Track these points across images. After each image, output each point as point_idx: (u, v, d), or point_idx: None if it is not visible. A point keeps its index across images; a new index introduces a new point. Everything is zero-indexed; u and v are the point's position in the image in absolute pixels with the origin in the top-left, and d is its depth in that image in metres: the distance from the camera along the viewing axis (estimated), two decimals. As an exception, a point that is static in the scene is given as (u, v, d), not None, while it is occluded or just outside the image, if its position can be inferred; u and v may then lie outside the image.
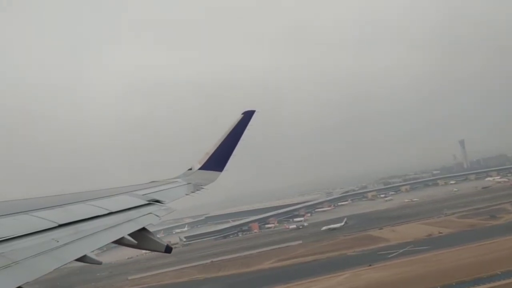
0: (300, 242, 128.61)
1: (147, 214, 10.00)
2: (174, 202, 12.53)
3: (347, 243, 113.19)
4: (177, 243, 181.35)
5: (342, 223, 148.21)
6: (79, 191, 11.03)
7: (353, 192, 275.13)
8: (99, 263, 8.50)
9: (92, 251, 7.48)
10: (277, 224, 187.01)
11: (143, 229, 9.09)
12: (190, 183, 16.20)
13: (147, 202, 11.12)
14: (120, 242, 8.28)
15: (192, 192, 15.19)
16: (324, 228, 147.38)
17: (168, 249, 9.18)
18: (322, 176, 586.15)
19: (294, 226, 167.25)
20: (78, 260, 6.84)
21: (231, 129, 18.78)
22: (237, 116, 19.13)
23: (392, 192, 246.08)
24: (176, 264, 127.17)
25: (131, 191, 12.18)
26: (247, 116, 18.91)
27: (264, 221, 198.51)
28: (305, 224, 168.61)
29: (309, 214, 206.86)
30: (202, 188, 16.17)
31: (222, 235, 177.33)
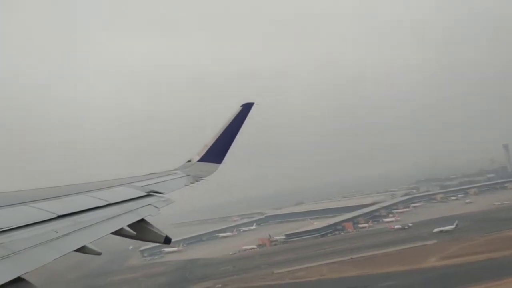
0: (435, 241, 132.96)
1: (146, 206, 10.12)
2: (173, 193, 12.71)
3: (495, 243, 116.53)
4: (275, 240, 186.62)
5: (454, 226, 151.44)
6: (78, 183, 11.11)
7: (414, 195, 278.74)
8: (99, 253, 8.48)
9: (91, 242, 7.50)
10: (372, 224, 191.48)
11: (142, 220, 9.22)
12: (189, 175, 16.27)
13: (146, 194, 11.23)
14: (119, 233, 8.45)
15: (192, 183, 15.34)
16: (436, 230, 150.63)
17: (167, 240, 9.38)
18: (340, 178, 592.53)
19: (399, 226, 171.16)
20: (78, 250, 6.90)
21: (230, 121, 18.82)
22: (236, 109, 19.21)
23: (461, 195, 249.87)
24: (312, 260, 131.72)
25: (130, 183, 12.27)
26: (246, 108, 18.94)
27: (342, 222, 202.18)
28: (410, 224, 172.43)
29: (391, 215, 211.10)
30: (201, 179, 16.33)
31: (320, 234, 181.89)
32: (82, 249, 7.12)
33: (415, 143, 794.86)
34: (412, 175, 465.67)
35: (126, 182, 12.29)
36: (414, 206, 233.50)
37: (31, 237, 6.08)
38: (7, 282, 4.80)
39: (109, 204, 9.11)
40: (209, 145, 18.76)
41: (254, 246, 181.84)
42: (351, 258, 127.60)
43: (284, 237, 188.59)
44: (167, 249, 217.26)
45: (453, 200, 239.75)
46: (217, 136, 18.78)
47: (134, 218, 8.95)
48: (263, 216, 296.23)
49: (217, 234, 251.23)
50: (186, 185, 14.65)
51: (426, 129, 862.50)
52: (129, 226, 8.74)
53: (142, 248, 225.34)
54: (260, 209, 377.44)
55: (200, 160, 18.46)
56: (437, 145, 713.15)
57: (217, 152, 18.50)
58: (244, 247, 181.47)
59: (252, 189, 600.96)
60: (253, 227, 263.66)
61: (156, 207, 10.28)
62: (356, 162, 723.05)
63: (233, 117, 18.85)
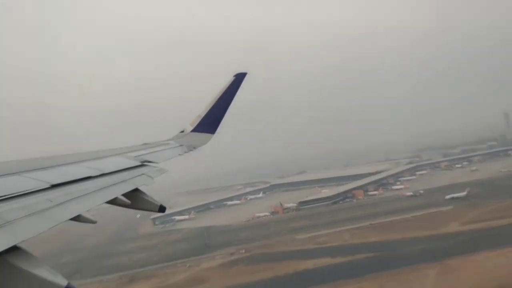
0: (451, 207, 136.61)
1: (140, 175, 10.16)
2: (172, 163, 12.82)
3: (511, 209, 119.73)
4: (288, 208, 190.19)
5: (465, 193, 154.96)
6: (71, 153, 11.06)
7: (418, 163, 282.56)
8: (94, 222, 8.53)
9: (86, 211, 7.53)
10: (382, 192, 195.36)
11: (136, 189, 9.32)
12: (182, 145, 16.26)
13: (139, 164, 11.23)
14: (113, 202, 8.46)
15: (185, 152, 15.40)
16: (448, 197, 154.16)
17: (161, 209, 9.43)
18: (339, 147, 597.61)
19: (411, 193, 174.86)
20: (73, 219, 6.93)
21: (223, 91, 18.80)
22: (229, 78, 19.04)
23: (465, 163, 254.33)
24: (330, 227, 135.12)
25: (123, 153, 12.25)
26: (239, 78, 18.87)
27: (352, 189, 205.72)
28: (421, 191, 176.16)
29: (399, 183, 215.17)
30: (195, 149, 16.39)
31: (331, 202, 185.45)
32: (77, 218, 7.15)
33: (413, 114, 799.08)
34: (411, 144, 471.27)
35: (119, 152, 12.28)
36: (420, 174, 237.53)
37: (25, 207, 6.07)
38: (3, 251, 4.82)
39: (103, 174, 9.13)
40: (202, 115, 18.78)
41: (267, 214, 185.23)
42: (370, 224, 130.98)
43: (296, 204, 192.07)
44: (178, 217, 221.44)
45: (458, 168, 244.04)
46: (210, 106, 18.77)
47: (128, 187, 9.02)
48: (268, 185, 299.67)
49: (225, 203, 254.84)
50: (179, 155, 14.73)
51: (425, 101, 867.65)
52: (123, 195, 8.75)
53: (153, 216, 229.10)
54: (262, 178, 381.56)
55: (193, 130, 18.52)
56: (435, 117, 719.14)
57: (210, 122, 18.56)
58: (257, 215, 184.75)
59: (249, 159, 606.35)
60: (260, 195, 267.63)
61: (150, 176, 10.30)
62: (354, 133, 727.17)
63: (226, 87, 18.77)
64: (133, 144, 15.17)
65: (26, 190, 6.70)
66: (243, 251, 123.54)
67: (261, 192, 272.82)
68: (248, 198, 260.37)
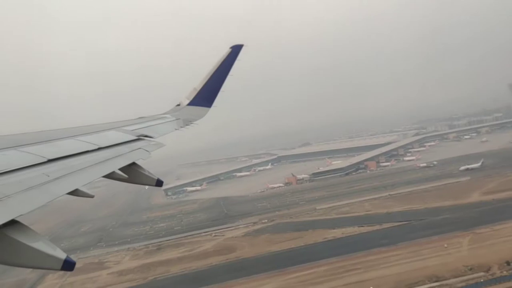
0: (468, 178, 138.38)
1: (136, 149, 10.10)
2: (170, 136, 12.76)
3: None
4: (301, 179, 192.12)
5: (480, 164, 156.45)
6: (67, 127, 11.00)
7: (425, 134, 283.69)
8: (91, 196, 8.55)
9: (84, 185, 7.51)
10: (394, 163, 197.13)
11: (133, 163, 9.24)
12: (179, 119, 16.14)
13: (136, 138, 11.18)
14: (111, 176, 8.44)
15: (182, 127, 15.24)
16: (462, 168, 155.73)
17: (159, 183, 9.38)
18: (338, 120, 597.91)
19: (424, 164, 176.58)
20: (70, 194, 6.94)
21: (219, 64, 18.42)
22: (225, 51, 18.69)
23: (474, 134, 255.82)
24: (349, 197, 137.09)
25: (119, 127, 12.19)
26: (235, 50, 18.49)
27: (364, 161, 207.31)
28: (434, 162, 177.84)
29: (409, 154, 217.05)
30: (191, 123, 16.21)
31: (344, 173, 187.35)
32: (75, 192, 7.13)
33: (412, 87, 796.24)
34: (412, 116, 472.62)
35: (115, 126, 12.21)
36: (430, 145, 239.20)
37: (22, 181, 6.07)
38: (1, 225, 4.82)
39: (100, 148, 9.11)
40: (198, 88, 18.49)
41: (281, 185, 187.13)
42: (389, 195, 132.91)
43: (308, 176, 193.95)
44: (189, 188, 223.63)
45: (466, 139, 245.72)
46: (206, 79, 18.44)
47: (125, 161, 8.98)
48: (275, 157, 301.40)
49: (234, 174, 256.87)
50: (176, 129, 14.58)
51: (425, 73, 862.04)
52: (120, 169, 8.71)
53: (165, 187, 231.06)
54: (266, 150, 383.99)
55: (189, 104, 18.29)
56: (435, 89, 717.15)
57: (206, 95, 18.30)
58: (270, 186, 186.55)
59: (248, 132, 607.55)
60: (269, 166, 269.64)
61: (147, 150, 10.21)
62: (354, 105, 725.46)
63: (222, 59, 18.39)
64: (129, 117, 15.05)
65: (24, 165, 6.66)
66: (266, 220, 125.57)
67: (270, 164, 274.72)
68: (257, 170, 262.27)
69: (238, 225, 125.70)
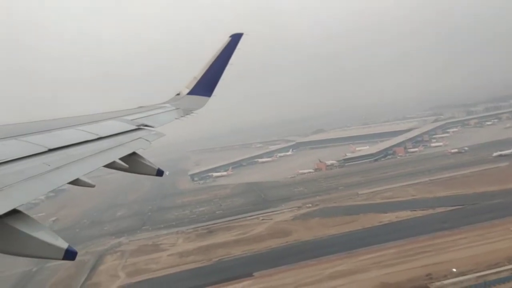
0: (507, 163, 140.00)
1: (137, 139, 10.14)
2: (164, 126, 12.74)
3: None
4: (333, 164, 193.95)
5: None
6: (67, 116, 11.04)
7: (446, 121, 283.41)
8: (92, 185, 8.58)
9: (84, 175, 7.58)
10: (422, 149, 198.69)
11: (134, 153, 9.27)
12: (178, 108, 16.16)
13: (136, 127, 11.22)
14: (111, 166, 8.54)
15: (182, 116, 15.30)
16: (495, 154, 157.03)
17: (159, 173, 9.34)
18: (346, 106, 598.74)
19: (456, 150, 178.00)
20: (71, 183, 6.99)
21: (218, 53, 18.40)
22: (224, 39, 18.66)
23: (495, 120, 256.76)
24: (389, 182, 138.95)
25: (119, 116, 12.23)
26: (235, 39, 18.45)
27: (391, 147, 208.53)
28: (466, 148, 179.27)
29: (434, 140, 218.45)
30: (192, 113, 16.32)
31: (374, 159, 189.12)
32: (76, 182, 7.21)
33: (419, 73, 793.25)
34: (421, 103, 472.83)
35: (115, 116, 12.27)
36: (453, 132, 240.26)
37: (23, 171, 6.10)
38: (3, 214, 4.87)
39: (100, 138, 9.16)
40: (198, 77, 18.48)
41: (311, 170, 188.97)
42: (430, 180, 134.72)
43: (336, 161, 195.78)
44: (215, 174, 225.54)
45: (489, 125, 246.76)
46: (206, 68, 18.44)
47: (126, 151, 9.03)
48: (293, 143, 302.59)
49: (255, 160, 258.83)
50: (176, 119, 14.63)
51: (433, 59, 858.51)
52: (121, 159, 8.80)
53: (191, 172, 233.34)
54: (278, 136, 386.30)
55: (189, 93, 18.29)
56: (442, 75, 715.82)
57: (206, 84, 18.31)
58: (300, 171, 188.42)
59: (255, 119, 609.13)
60: (289, 152, 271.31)
61: (147, 140, 10.27)
62: (364, 91, 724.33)
63: (222, 48, 18.34)
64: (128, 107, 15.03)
65: (24, 154, 6.69)
66: (310, 205, 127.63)
67: (290, 150, 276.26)
68: (278, 156, 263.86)
69: (282, 210, 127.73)
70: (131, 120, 12.04)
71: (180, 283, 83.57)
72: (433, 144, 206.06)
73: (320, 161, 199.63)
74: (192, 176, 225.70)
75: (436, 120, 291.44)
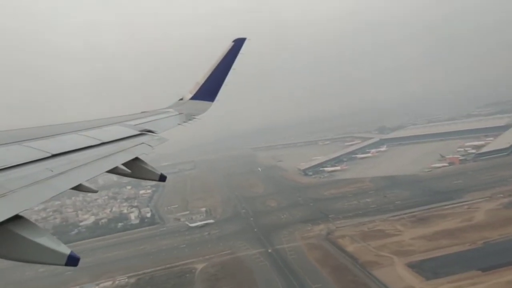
0: None
1: (140, 144, 10.17)
2: (167, 132, 12.86)
3: None
4: (463, 157, 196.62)
5: None
6: (70, 122, 11.13)
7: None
8: (95, 191, 8.73)
9: (87, 180, 7.60)
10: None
11: (136, 158, 9.32)
12: (182, 113, 16.12)
13: (139, 132, 11.26)
14: (114, 171, 8.59)
15: (184, 122, 15.24)
16: None
17: (162, 178, 9.39)
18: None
19: None
20: (74, 188, 7.00)
21: (221, 57, 18.41)
22: (227, 44, 18.74)
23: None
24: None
25: (122, 122, 12.27)
26: (238, 44, 18.46)
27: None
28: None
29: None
30: (194, 118, 16.19)
31: (506, 154, 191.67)
32: (78, 187, 7.29)
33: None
34: (472, 99, 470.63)
35: (118, 121, 12.35)
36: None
37: (26, 176, 6.14)
38: (6, 220, 4.87)
39: (103, 143, 9.27)
40: (201, 82, 18.59)
41: (446, 164, 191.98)
42: None
43: (460, 156, 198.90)
44: (328, 168, 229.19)
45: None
46: (209, 73, 18.52)
47: (129, 156, 9.10)
48: (377, 139, 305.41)
49: (353, 156, 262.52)
50: (179, 124, 14.71)
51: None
52: (123, 164, 8.91)
53: (304, 167, 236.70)
54: (342, 134, 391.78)
55: (192, 98, 18.38)
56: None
57: (209, 89, 18.33)
58: (433, 165, 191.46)
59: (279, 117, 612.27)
60: (384, 148, 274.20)
61: (150, 145, 10.35)
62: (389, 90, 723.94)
63: (225, 53, 18.45)
64: (132, 112, 15.25)
65: (27, 160, 6.75)
66: (501, 195, 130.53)
67: (385, 146, 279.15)
68: (375, 152, 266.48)
69: (475, 200, 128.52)
70: (134, 125, 12.08)
71: (473, 262, 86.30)
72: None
73: (441, 156, 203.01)
74: (305, 170, 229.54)
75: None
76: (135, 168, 9.22)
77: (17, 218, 5.11)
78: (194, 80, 19.08)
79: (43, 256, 4.97)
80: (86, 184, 8.02)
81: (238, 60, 18.44)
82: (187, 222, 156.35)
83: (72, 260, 4.99)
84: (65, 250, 5.02)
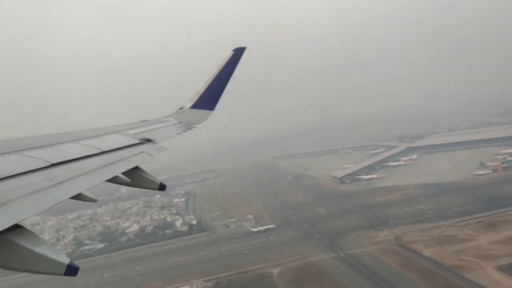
0: None
1: (139, 153, 10.12)
2: (167, 141, 12.75)
3: None
4: (505, 164, 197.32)
5: None
6: (70, 131, 11.08)
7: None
8: (95, 200, 8.66)
9: (87, 189, 7.55)
10: None
11: (136, 167, 9.29)
12: (181, 122, 16.16)
13: (139, 141, 11.23)
14: (114, 180, 8.56)
15: (184, 131, 15.20)
16: None
17: (162, 187, 9.28)
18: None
19: None
20: (73, 198, 7.00)
21: (221, 67, 18.47)
22: (227, 53, 18.82)
23: None
24: None
25: (122, 130, 12.30)
26: (238, 53, 18.56)
27: None
28: None
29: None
30: (194, 127, 16.17)
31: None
32: (78, 197, 7.30)
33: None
34: (485, 108, 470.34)
35: (118, 130, 12.42)
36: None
37: (26, 185, 6.15)
38: (5, 229, 4.87)
39: (102, 152, 9.25)
40: (201, 91, 18.62)
41: (489, 171, 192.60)
42: None
43: (500, 163, 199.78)
44: (364, 176, 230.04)
45: None
46: (209, 82, 18.60)
47: (128, 166, 9.08)
48: (404, 148, 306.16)
49: (385, 164, 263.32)
50: (178, 133, 14.72)
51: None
52: (123, 173, 8.93)
53: (339, 175, 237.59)
54: (361, 142, 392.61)
55: (192, 107, 18.39)
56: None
57: (209, 98, 18.37)
58: (476, 172, 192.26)
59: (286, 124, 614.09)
60: (415, 156, 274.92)
61: (150, 154, 10.33)
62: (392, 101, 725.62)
63: (225, 62, 18.58)
64: (131, 121, 15.27)
65: (27, 169, 6.75)
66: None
67: (415, 154, 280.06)
68: (406, 159, 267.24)
69: None
70: (134, 134, 12.12)
71: None
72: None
73: (481, 163, 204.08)
74: (342, 178, 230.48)
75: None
76: (135, 177, 9.22)
77: (16, 228, 5.13)
78: (195, 90, 19.18)
79: (42, 266, 4.96)
80: (86, 193, 8.02)
81: (239, 68, 18.51)
82: (248, 227, 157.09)
83: (71, 270, 4.95)
84: (64, 259, 5.01)
